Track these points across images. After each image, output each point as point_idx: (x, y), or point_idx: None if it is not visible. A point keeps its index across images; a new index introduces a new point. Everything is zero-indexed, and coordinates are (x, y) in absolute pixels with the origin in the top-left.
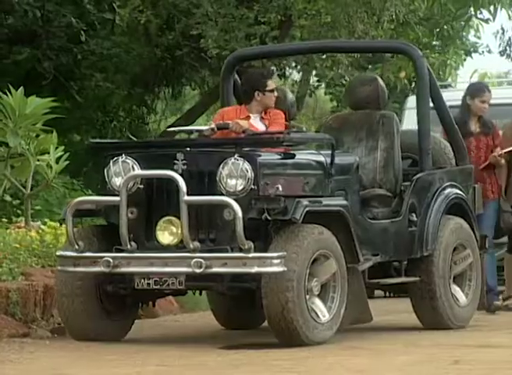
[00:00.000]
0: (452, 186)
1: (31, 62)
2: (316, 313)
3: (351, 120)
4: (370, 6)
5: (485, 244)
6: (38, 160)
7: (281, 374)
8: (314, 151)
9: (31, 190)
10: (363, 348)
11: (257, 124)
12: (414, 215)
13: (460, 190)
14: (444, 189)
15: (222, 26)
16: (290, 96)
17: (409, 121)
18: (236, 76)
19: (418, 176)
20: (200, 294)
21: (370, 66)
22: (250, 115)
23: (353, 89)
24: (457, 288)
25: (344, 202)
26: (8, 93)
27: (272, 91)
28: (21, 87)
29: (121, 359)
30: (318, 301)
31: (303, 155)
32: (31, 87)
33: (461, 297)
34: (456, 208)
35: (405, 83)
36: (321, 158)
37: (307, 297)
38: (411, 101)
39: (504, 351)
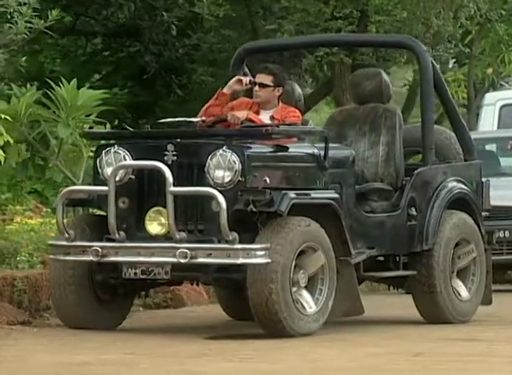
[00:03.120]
0: (456, 181)
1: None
2: (302, 305)
3: (355, 114)
4: (447, 2)
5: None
6: (92, 151)
7: (235, 363)
8: (308, 144)
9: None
10: (344, 340)
11: (265, 119)
12: (413, 209)
13: (465, 185)
14: (447, 184)
15: (299, 21)
16: (298, 90)
17: (486, 117)
18: (246, 68)
19: (419, 170)
20: (198, 284)
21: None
22: (262, 110)
23: (357, 83)
24: (460, 283)
25: (335, 195)
26: (61, 84)
27: (254, 83)
28: (74, 80)
29: (98, 347)
30: (305, 293)
31: (295, 148)
32: (143, 81)
33: (464, 291)
34: (460, 203)
35: (493, 80)
36: (315, 152)
37: (294, 289)
38: (488, 98)
39: (477, 345)
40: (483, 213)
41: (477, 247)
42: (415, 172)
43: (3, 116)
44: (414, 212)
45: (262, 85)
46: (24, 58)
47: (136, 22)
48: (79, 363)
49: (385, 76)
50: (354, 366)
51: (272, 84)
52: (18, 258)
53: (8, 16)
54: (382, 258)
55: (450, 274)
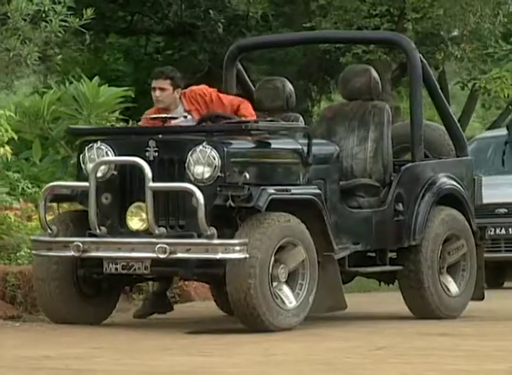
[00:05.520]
0: (446, 177)
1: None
2: (282, 300)
3: (344, 110)
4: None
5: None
6: None
7: (193, 357)
8: (291, 140)
9: None
10: (316, 334)
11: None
12: (400, 205)
13: (456, 181)
14: (436, 180)
15: (337, 19)
16: (289, 87)
17: None
18: (240, 66)
19: (406, 166)
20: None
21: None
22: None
23: (347, 79)
24: (450, 278)
25: (317, 191)
26: (83, 82)
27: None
28: (96, 77)
29: (72, 342)
30: (285, 288)
31: (278, 144)
32: (200, 80)
33: (453, 287)
34: (450, 199)
35: None
36: (298, 148)
37: (274, 284)
38: None
39: (445, 340)
40: (503, 210)
41: (467, 243)
42: (402, 168)
43: (9, 113)
44: (401, 207)
45: (162, 89)
46: (60, 57)
47: (191, 21)
48: (38, 357)
49: (374, 72)
50: (306, 359)
51: (171, 88)
52: (18, 254)
53: (43, 15)
54: (373, 254)
55: (440, 269)
